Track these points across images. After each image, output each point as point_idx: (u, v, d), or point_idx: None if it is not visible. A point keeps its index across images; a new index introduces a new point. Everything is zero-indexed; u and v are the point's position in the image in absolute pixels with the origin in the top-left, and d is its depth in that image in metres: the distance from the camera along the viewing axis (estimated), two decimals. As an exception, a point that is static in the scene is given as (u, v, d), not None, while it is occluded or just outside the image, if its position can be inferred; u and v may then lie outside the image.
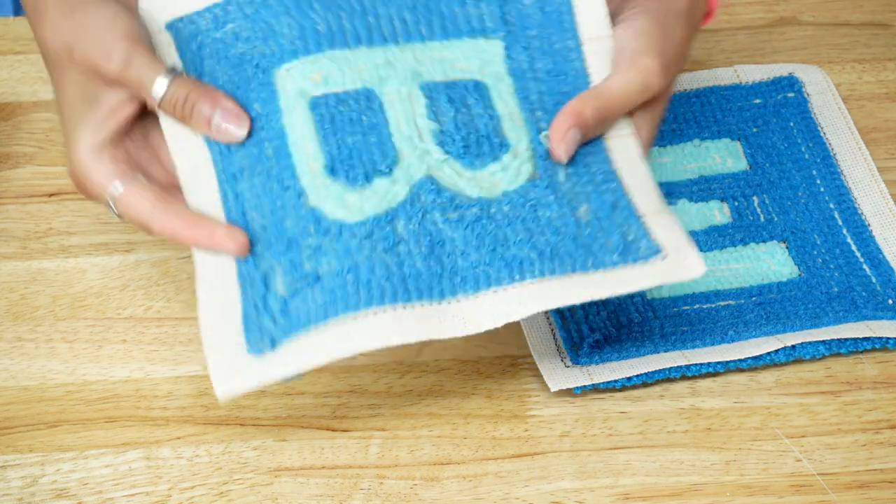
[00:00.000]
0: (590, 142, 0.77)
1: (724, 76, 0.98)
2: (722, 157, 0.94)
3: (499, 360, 0.84)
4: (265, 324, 0.73)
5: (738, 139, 0.95)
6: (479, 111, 0.77)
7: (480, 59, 0.79)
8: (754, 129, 0.95)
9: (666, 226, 0.75)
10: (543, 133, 0.77)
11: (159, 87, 0.77)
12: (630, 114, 0.78)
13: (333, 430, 0.81)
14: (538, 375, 0.82)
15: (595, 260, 0.74)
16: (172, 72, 0.77)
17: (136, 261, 0.89)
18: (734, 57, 1.02)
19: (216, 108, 0.77)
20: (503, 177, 0.76)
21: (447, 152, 0.76)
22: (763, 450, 0.79)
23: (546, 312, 0.85)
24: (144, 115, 0.79)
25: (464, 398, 0.82)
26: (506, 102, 0.78)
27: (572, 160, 0.77)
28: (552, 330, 0.84)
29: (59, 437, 0.80)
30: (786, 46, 1.03)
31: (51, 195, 0.93)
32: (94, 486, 0.78)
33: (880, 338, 0.83)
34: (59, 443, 0.80)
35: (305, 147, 0.76)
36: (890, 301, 0.86)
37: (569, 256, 0.74)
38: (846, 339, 0.83)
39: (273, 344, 0.73)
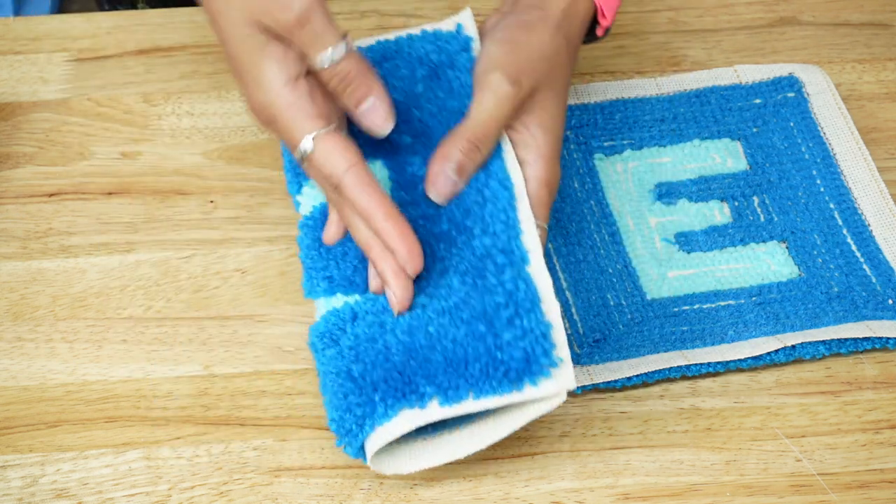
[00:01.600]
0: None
1: (724, 76, 0.98)
2: (722, 157, 0.94)
3: (499, 360, 0.84)
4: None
5: (738, 139, 0.95)
6: None
7: None
8: (754, 129, 0.95)
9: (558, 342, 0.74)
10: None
11: (325, 57, 0.74)
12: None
13: (333, 430, 0.81)
14: (538, 375, 0.82)
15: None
16: (344, 40, 0.75)
17: (136, 261, 0.89)
18: (734, 57, 1.02)
19: (369, 96, 0.76)
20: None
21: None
22: (763, 450, 0.79)
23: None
24: None
25: (464, 398, 0.82)
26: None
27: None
28: (552, 330, 0.84)
29: (59, 437, 0.80)
30: (786, 46, 1.03)
31: (51, 195, 0.93)
32: (94, 486, 0.78)
33: (880, 338, 0.83)
34: (59, 443, 0.80)
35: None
36: (890, 301, 0.86)
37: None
38: (846, 339, 0.83)
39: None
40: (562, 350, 0.72)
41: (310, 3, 0.73)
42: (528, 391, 0.72)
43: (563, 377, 0.72)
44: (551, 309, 0.74)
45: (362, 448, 0.75)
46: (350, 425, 0.74)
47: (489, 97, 0.79)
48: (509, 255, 0.76)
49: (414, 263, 0.75)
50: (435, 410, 0.72)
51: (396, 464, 0.75)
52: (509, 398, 0.72)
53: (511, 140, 0.80)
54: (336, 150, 0.75)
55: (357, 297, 0.79)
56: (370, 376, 0.74)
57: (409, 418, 0.73)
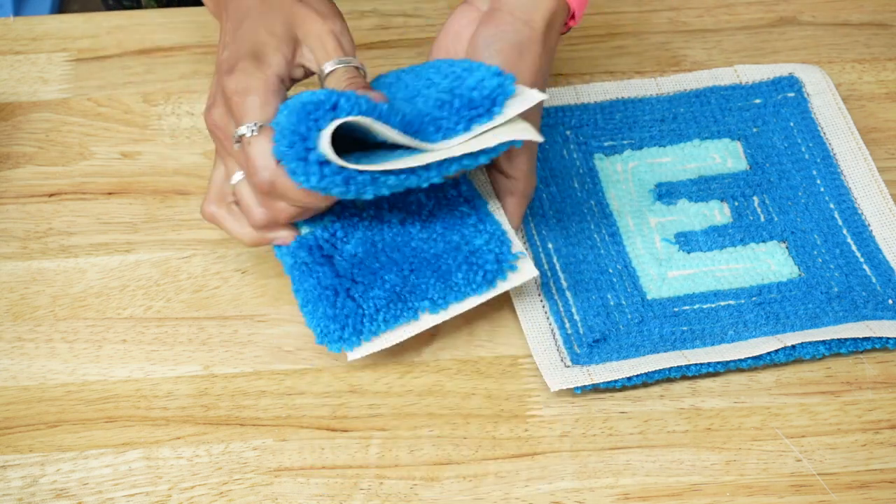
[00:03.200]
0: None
1: (724, 76, 0.98)
2: (722, 157, 0.94)
3: (499, 360, 0.84)
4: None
5: (738, 139, 0.95)
6: None
7: None
8: (754, 129, 0.95)
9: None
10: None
11: (332, 64, 0.81)
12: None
13: (333, 430, 0.81)
14: (538, 375, 0.82)
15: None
16: (346, 61, 0.82)
17: (136, 261, 0.89)
18: (734, 57, 1.02)
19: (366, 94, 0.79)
20: None
21: None
22: (763, 450, 0.79)
23: (546, 312, 0.85)
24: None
25: (464, 398, 0.82)
26: None
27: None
28: (552, 330, 0.84)
29: (59, 437, 0.80)
30: (786, 46, 1.03)
31: (51, 195, 0.93)
32: (94, 486, 0.78)
33: (880, 338, 0.83)
34: (59, 443, 0.80)
35: None
36: (890, 301, 0.86)
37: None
38: (846, 339, 0.83)
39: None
40: (517, 245, 0.83)
41: (343, 26, 0.83)
42: (500, 286, 0.82)
43: (527, 268, 0.82)
44: (497, 210, 0.85)
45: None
46: (337, 336, 0.81)
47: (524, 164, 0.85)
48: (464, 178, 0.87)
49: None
50: (427, 319, 0.82)
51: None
52: (487, 296, 0.82)
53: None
54: (267, 150, 0.79)
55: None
56: (371, 299, 0.81)
57: (405, 330, 0.82)
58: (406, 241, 0.84)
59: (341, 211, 0.84)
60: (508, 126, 0.80)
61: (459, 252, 0.83)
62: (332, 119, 0.76)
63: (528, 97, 0.80)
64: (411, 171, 0.78)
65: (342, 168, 0.76)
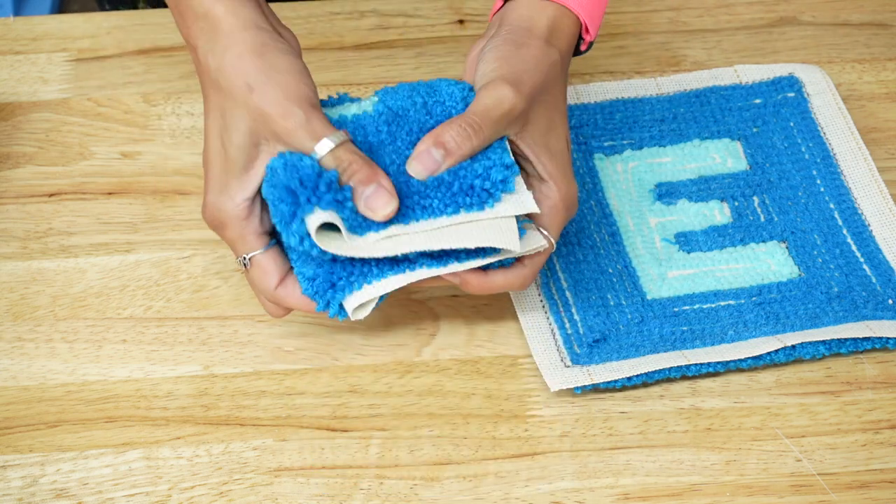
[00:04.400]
0: None
1: (724, 76, 0.98)
2: (722, 157, 0.94)
3: (499, 360, 0.84)
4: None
5: (738, 139, 0.95)
6: None
7: None
8: (754, 129, 0.95)
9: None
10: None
11: (324, 146, 0.77)
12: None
13: (333, 430, 0.81)
14: (538, 375, 0.82)
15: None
16: (341, 137, 0.78)
17: (136, 261, 0.89)
18: (734, 57, 1.02)
19: (371, 183, 0.77)
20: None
21: None
22: (763, 450, 0.79)
23: (546, 312, 0.85)
24: None
25: (464, 398, 0.82)
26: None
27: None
28: (552, 330, 0.84)
29: (59, 437, 0.80)
30: (786, 46, 1.03)
31: (51, 195, 0.93)
32: (94, 486, 0.78)
33: (880, 338, 0.83)
34: (59, 443, 0.80)
35: None
36: (890, 301, 0.86)
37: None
38: (846, 339, 0.83)
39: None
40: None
41: (306, 113, 0.77)
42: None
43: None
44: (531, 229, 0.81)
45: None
46: (325, 290, 0.79)
47: (487, 95, 0.79)
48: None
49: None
50: (422, 272, 0.79)
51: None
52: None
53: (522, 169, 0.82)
54: (267, 272, 0.80)
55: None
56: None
57: (398, 280, 0.79)
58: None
59: None
60: (493, 223, 0.78)
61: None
62: (312, 208, 0.76)
63: (526, 203, 0.78)
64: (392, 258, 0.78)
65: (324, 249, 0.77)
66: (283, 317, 0.83)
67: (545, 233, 0.81)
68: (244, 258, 0.80)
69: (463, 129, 0.79)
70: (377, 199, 0.77)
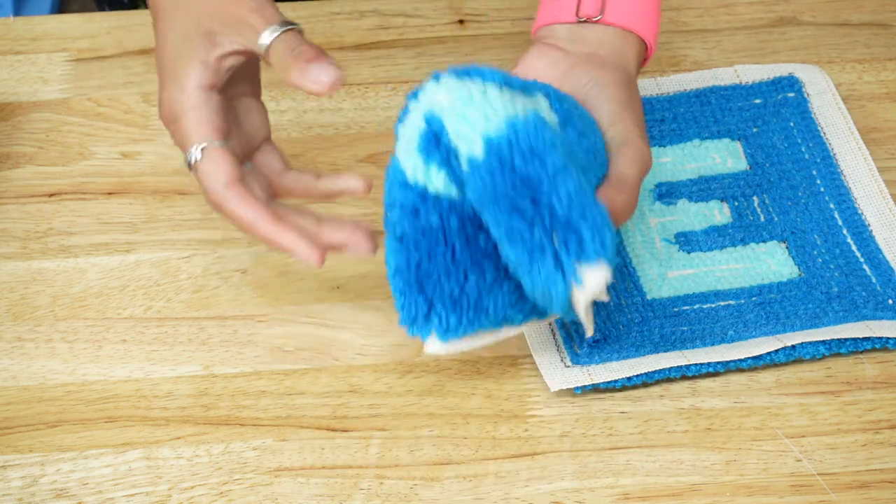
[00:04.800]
0: None
1: (724, 76, 0.98)
2: (722, 157, 0.94)
3: (499, 360, 0.84)
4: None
5: (738, 139, 0.95)
6: None
7: None
8: (754, 129, 0.95)
9: None
10: None
11: (271, 31, 0.76)
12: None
13: (333, 430, 0.81)
14: (538, 375, 0.82)
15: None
16: (288, 24, 0.77)
17: (136, 261, 0.89)
18: (734, 57, 1.02)
19: (318, 61, 0.76)
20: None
21: None
22: (763, 450, 0.79)
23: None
24: (230, 84, 0.80)
25: (464, 398, 0.82)
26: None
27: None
28: (552, 330, 0.84)
29: (59, 437, 0.80)
30: (786, 46, 1.03)
31: (51, 195, 0.93)
32: (94, 486, 0.78)
33: (880, 338, 0.83)
34: (59, 443, 0.80)
35: None
36: (890, 301, 0.86)
37: None
38: (846, 339, 0.83)
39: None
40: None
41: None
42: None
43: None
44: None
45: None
46: (418, 318, 0.77)
47: (636, 158, 0.80)
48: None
49: (315, 254, 0.78)
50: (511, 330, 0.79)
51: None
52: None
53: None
54: (220, 165, 0.77)
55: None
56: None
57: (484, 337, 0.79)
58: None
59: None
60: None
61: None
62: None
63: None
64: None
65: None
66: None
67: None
68: (195, 151, 0.77)
69: (628, 200, 0.79)
70: (321, 71, 0.76)
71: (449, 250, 0.76)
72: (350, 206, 0.92)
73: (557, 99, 0.79)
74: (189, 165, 0.78)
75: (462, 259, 0.76)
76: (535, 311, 0.79)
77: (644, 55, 0.86)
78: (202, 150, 0.78)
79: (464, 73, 0.76)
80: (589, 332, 0.77)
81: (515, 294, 0.78)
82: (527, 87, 0.77)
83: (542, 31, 0.86)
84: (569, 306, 0.74)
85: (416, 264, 0.76)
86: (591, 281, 0.72)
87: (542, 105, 0.78)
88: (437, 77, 0.76)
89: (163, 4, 0.79)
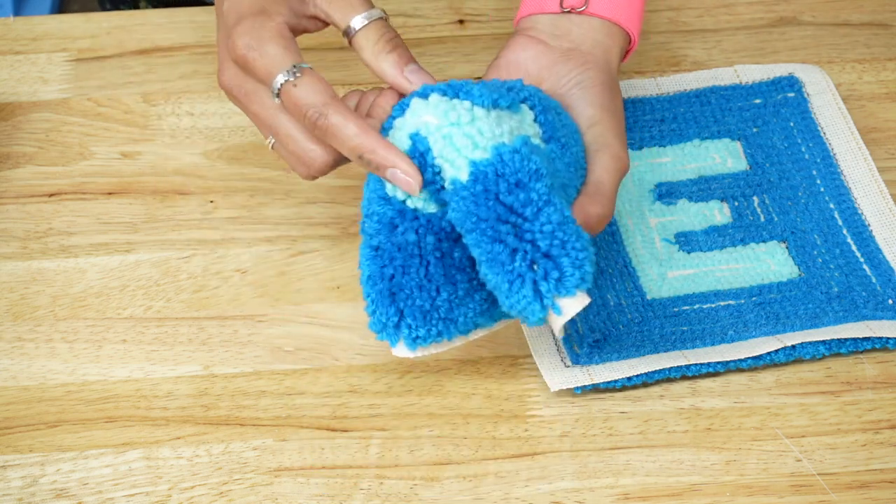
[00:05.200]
0: None
1: (724, 76, 0.98)
2: (722, 157, 0.94)
3: (499, 360, 0.84)
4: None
5: (738, 139, 0.95)
6: None
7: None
8: (754, 129, 0.95)
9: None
10: None
11: (358, 21, 0.78)
12: None
13: (333, 430, 0.81)
14: (538, 375, 0.82)
15: None
16: (379, 13, 0.78)
17: (136, 261, 0.89)
18: (734, 57, 1.02)
19: (412, 62, 0.78)
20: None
21: None
22: (763, 450, 0.79)
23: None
24: None
25: (464, 398, 0.82)
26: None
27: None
28: (552, 330, 0.84)
29: (59, 437, 0.80)
30: (786, 46, 1.03)
31: (51, 195, 0.93)
32: (94, 486, 0.78)
33: (880, 338, 0.83)
34: (59, 443, 0.80)
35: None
36: (890, 301, 0.86)
37: None
38: (846, 339, 0.83)
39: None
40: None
41: None
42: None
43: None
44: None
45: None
46: (388, 326, 0.77)
47: (612, 167, 0.80)
48: None
49: (416, 178, 0.75)
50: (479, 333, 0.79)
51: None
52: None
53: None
54: (321, 82, 0.76)
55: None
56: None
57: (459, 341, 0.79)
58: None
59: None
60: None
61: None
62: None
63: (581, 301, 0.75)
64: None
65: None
66: (316, 175, 0.80)
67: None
68: (293, 70, 0.76)
69: (604, 213, 0.79)
70: (418, 78, 0.78)
71: (423, 267, 0.77)
72: (350, 206, 0.92)
73: (542, 109, 0.79)
74: (279, 89, 0.76)
75: (435, 274, 0.77)
76: (505, 316, 0.79)
77: (627, 48, 0.86)
78: (296, 72, 0.76)
79: (452, 90, 0.76)
80: (558, 335, 0.78)
81: (487, 303, 0.78)
82: (514, 103, 0.78)
83: (525, 21, 0.85)
84: (544, 322, 0.74)
85: (389, 276, 0.77)
86: (569, 310, 0.73)
87: (528, 119, 0.78)
88: (424, 94, 0.77)
89: None
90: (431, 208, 0.77)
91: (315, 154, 0.79)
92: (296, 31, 0.79)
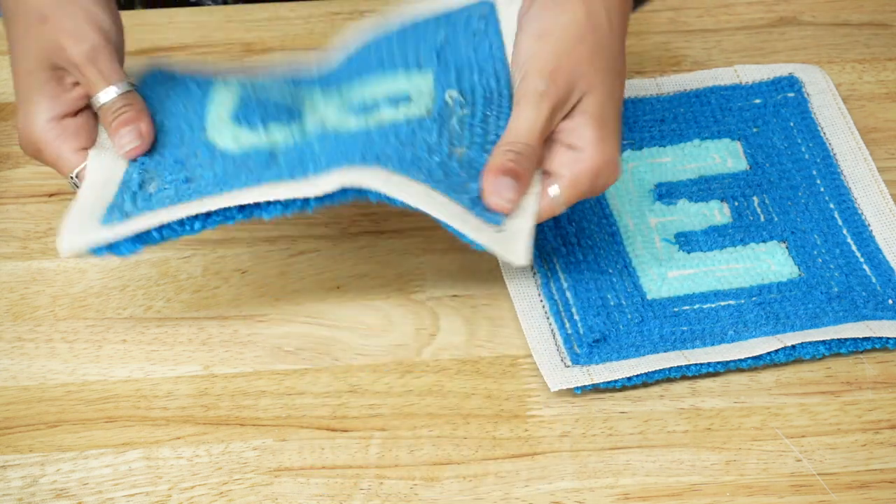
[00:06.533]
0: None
1: (724, 76, 0.98)
2: (722, 157, 0.94)
3: (499, 360, 0.84)
4: (126, 206, 0.79)
5: (738, 139, 0.95)
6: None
7: (409, 82, 0.84)
8: (754, 129, 0.95)
9: (519, 210, 0.79)
10: (449, 91, 0.83)
11: (105, 95, 0.81)
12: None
13: (333, 430, 0.81)
14: (538, 375, 0.82)
15: (448, 187, 0.78)
16: (126, 85, 0.82)
17: (136, 261, 0.89)
18: (734, 57, 1.02)
19: (131, 124, 0.81)
20: (393, 113, 0.82)
21: (347, 110, 0.84)
22: (763, 450, 0.80)
23: (546, 312, 0.85)
24: None
25: (464, 398, 0.82)
26: (419, 86, 0.84)
27: (479, 116, 0.81)
28: (552, 330, 0.84)
29: (59, 437, 0.80)
30: (786, 46, 1.03)
31: (51, 195, 0.93)
32: (94, 486, 0.78)
33: (880, 338, 0.83)
34: (59, 443, 0.80)
35: (222, 103, 0.83)
36: (890, 301, 0.86)
37: (426, 170, 0.78)
38: (846, 339, 0.83)
39: (123, 216, 0.79)
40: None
41: (98, 42, 0.81)
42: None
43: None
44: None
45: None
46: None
47: (526, 107, 0.79)
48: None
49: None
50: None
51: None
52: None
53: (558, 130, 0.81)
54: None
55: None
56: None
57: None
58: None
59: None
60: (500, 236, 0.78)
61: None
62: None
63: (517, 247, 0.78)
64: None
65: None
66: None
67: (556, 192, 0.80)
68: (72, 177, 0.82)
69: (517, 155, 0.78)
70: (126, 136, 0.81)
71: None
72: (350, 206, 0.92)
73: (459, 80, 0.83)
74: (73, 185, 0.83)
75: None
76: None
77: None
78: (78, 175, 0.82)
79: None
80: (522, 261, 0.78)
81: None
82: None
83: None
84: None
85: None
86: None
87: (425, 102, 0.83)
88: None
89: (22, 14, 0.81)
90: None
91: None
92: (69, 112, 0.83)
